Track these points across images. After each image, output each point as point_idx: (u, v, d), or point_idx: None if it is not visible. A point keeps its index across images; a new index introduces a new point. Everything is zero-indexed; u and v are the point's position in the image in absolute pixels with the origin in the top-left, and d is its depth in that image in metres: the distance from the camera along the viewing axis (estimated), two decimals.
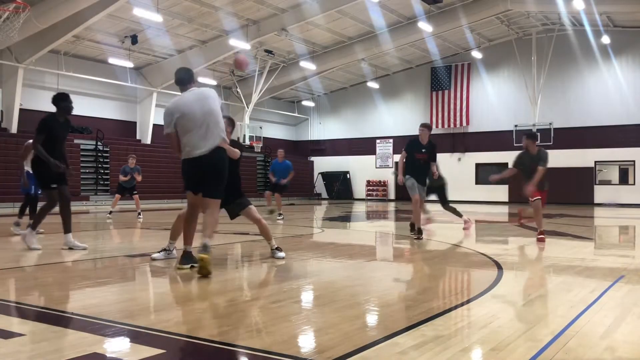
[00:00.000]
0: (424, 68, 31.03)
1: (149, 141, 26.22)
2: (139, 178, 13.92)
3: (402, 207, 23.31)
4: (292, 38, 24.31)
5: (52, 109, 7.02)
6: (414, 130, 34.35)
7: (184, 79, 5.64)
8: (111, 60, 23.52)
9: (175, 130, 5.42)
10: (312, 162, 35.28)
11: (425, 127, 9.03)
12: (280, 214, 13.85)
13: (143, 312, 3.77)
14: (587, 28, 25.29)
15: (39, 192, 9.02)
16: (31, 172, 8.70)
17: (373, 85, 31.27)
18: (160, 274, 5.51)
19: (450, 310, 3.90)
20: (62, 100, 6.97)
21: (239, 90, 28.88)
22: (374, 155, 33.18)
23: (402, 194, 32.20)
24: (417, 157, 8.77)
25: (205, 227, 5.37)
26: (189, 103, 5.47)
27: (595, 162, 26.88)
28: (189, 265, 5.38)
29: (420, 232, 8.60)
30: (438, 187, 11.02)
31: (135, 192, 14.22)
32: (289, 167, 14.17)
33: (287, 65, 28.42)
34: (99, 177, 23.21)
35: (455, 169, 30.13)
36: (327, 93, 33.95)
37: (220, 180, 5.47)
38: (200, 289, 4.65)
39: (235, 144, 6.11)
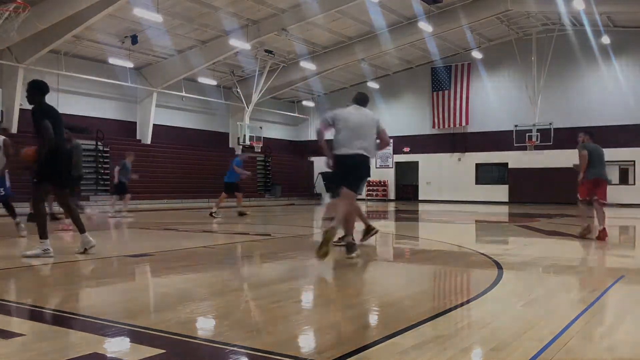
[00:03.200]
0: (424, 68, 31.01)
1: (149, 141, 26.22)
2: None
3: (402, 207, 23.30)
4: (292, 38, 24.30)
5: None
6: (415, 130, 34.28)
7: (363, 100, 6.56)
8: (111, 60, 23.51)
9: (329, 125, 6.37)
10: (312, 162, 35.27)
11: None
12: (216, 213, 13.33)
13: (143, 312, 3.77)
14: (587, 28, 25.27)
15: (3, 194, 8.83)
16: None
17: (373, 85, 31.24)
18: (160, 274, 5.51)
19: (450, 310, 3.90)
20: None
21: (239, 90, 28.87)
22: None
23: (402, 194, 32.26)
24: None
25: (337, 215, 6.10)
26: (352, 115, 6.41)
27: None
28: (355, 254, 6.17)
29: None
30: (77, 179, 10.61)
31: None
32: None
33: (287, 66, 28.40)
34: (99, 177, 23.19)
35: (455, 169, 30.19)
36: (327, 93, 33.92)
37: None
38: (200, 289, 4.65)
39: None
